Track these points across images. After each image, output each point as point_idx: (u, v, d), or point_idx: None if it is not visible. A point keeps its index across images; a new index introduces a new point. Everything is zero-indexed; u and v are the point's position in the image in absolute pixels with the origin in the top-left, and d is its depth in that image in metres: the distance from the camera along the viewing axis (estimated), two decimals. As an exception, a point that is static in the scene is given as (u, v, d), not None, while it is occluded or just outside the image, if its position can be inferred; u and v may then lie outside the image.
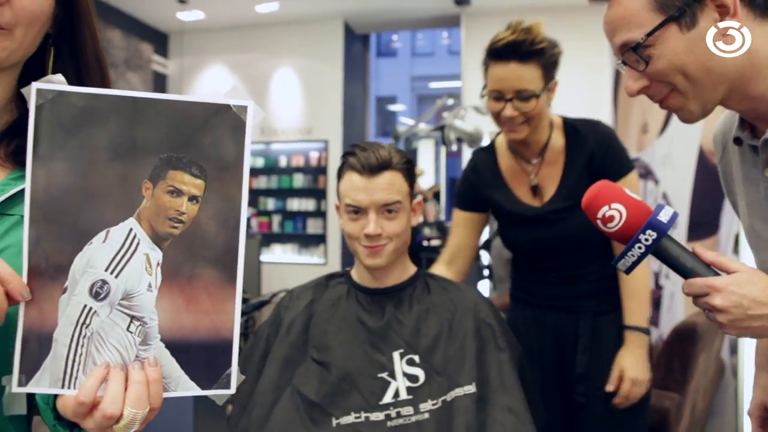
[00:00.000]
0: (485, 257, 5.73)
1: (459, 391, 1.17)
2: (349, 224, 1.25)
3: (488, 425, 1.14)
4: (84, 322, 0.60)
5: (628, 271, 0.89)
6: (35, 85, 0.59)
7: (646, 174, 3.05)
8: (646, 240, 0.86)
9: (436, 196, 6.80)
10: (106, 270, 0.60)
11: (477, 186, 1.64)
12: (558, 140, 1.55)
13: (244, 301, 3.47)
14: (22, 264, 0.59)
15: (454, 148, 6.17)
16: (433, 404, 1.17)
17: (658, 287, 2.95)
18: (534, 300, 1.64)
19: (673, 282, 2.86)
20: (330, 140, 7.39)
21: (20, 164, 0.69)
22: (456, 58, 8.50)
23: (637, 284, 1.52)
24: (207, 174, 0.61)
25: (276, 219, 7.73)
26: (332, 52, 7.42)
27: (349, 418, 1.16)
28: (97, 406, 0.57)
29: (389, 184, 1.22)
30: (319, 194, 7.55)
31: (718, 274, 0.85)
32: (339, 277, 1.38)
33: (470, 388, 1.17)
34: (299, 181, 7.64)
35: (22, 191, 0.67)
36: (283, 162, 7.69)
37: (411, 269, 1.34)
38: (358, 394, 1.18)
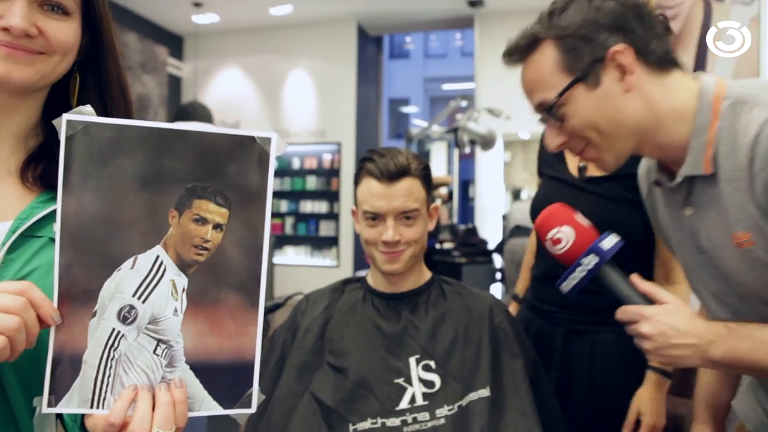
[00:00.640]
0: (498, 260, 5.75)
1: (474, 395, 1.18)
2: (367, 230, 1.26)
3: (502, 429, 1.15)
4: (112, 345, 0.62)
5: (570, 293, 0.94)
6: (66, 117, 0.61)
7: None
8: (588, 264, 0.91)
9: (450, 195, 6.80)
10: (134, 295, 0.62)
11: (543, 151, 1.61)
12: None
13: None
14: (50, 284, 0.61)
15: (467, 150, 6.16)
16: (449, 410, 1.18)
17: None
18: (531, 301, 1.59)
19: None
20: (343, 142, 7.41)
21: (47, 187, 0.71)
22: (469, 60, 8.50)
23: None
24: (231, 203, 0.63)
25: (289, 221, 7.76)
26: (345, 54, 7.44)
27: (366, 424, 1.17)
28: (127, 426, 0.60)
29: (408, 191, 1.22)
30: (332, 196, 7.56)
31: (651, 304, 0.91)
32: (355, 282, 1.39)
33: (485, 392, 1.18)
34: (312, 183, 7.66)
35: (51, 213, 0.69)
36: (296, 164, 7.71)
37: (426, 274, 1.34)
38: (375, 400, 1.19)
